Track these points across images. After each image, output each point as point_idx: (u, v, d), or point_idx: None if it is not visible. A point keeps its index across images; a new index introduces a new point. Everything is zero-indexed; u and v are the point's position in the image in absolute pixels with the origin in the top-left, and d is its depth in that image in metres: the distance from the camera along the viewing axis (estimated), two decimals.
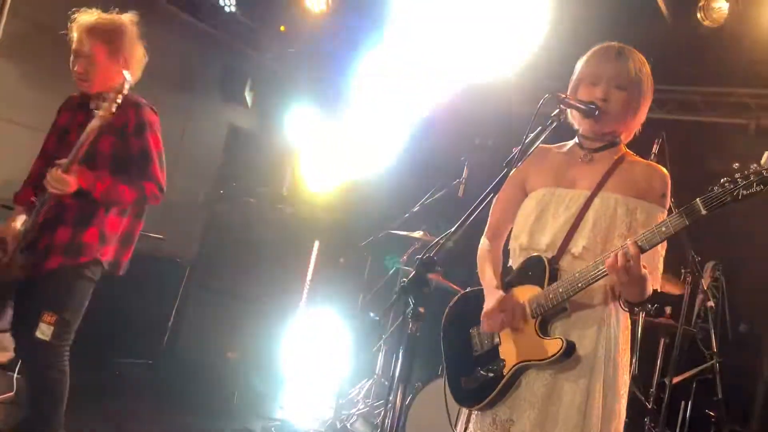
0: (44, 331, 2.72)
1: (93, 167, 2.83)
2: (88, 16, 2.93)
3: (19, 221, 2.95)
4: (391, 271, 5.11)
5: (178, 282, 5.78)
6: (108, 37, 2.91)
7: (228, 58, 6.54)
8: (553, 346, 1.95)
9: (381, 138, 6.55)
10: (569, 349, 1.94)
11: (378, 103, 6.50)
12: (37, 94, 5.13)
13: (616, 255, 1.83)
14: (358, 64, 6.35)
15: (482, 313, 2.10)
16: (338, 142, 6.70)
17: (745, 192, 1.66)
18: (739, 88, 5.10)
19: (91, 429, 3.74)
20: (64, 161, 2.73)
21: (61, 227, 2.85)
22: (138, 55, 3.03)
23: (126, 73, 2.80)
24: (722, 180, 1.71)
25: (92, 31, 2.89)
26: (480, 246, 2.31)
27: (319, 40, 6.08)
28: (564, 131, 2.10)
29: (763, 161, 1.65)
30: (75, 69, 2.93)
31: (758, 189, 1.65)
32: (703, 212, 1.73)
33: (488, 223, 2.32)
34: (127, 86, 2.77)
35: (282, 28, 6.38)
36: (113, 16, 2.98)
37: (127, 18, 3.01)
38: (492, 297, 2.10)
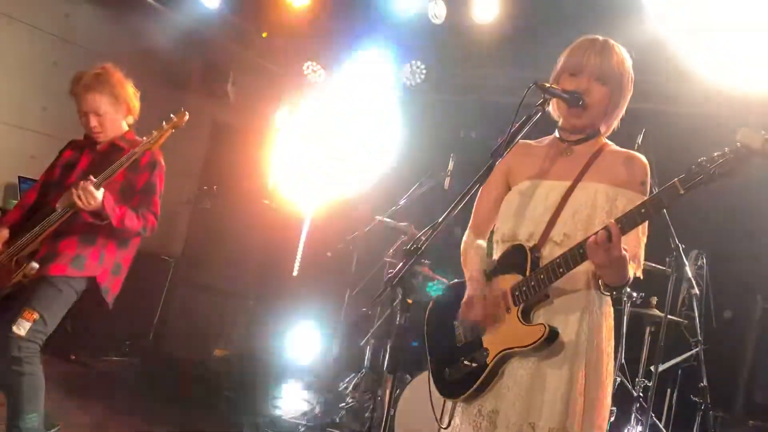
0: (22, 326, 2.81)
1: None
2: (85, 78, 3.12)
3: (7, 225, 3.07)
4: (378, 266, 5.10)
5: (163, 279, 5.75)
6: (109, 90, 3.13)
7: (210, 53, 6.49)
8: (535, 332, 1.95)
9: (366, 130, 6.56)
10: (552, 335, 1.94)
11: (362, 95, 6.50)
12: (16, 90, 5.07)
13: (596, 235, 1.82)
14: (343, 55, 6.34)
15: (462, 301, 2.10)
16: (324, 137, 6.70)
17: (721, 170, 1.67)
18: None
19: (79, 428, 3.71)
20: (93, 179, 2.86)
21: (66, 239, 3.00)
22: (133, 97, 3.25)
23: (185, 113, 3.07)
24: (700, 159, 1.71)
25: (94, 88, 3.10)
26: (464, 240, 2.31)
27: (301, 33, 6.05)
28: (544, 122, 2.10)
29: (738, 137, 1.64)
30: (89, 125, 3.14)
31: (734, 166, 1.66)
32: (681, 192, 1.73)
33: (472, 217, 2.32)
34: (185, 119, 3.06)
35: (264, 34, 6.36)
36: (104, 69, 3.17)
37: (111, 67, 3.21)
38: (473, 286, 2.11)
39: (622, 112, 2.18)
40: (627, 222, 1.83)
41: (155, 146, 3.01)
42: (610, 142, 2.19)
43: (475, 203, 2.28)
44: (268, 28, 6.46)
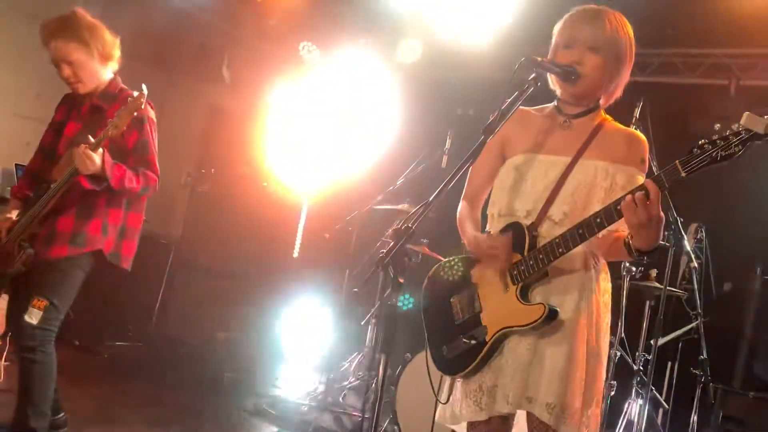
0: (33, 315, 2.79)
1: None
2: (50, 24, 2.94)
3: (14, 213, 2.99)
4: (377, 246, 5.10)
5: (164, 263, 5.76)
6: (76, 34, 2.92)
7: (204, 35, 6.44)
8: (534, 311, 1.96)
9: (362, 109, 6.52)
10: (551, 315, 1.94)
11: (359, 73, 6.45)
12: (12, 79, 5.04)
13: (633, 194, 1.76)
14: (338, 34, 6.28)
15: (486, 248, 2.06)
16: (320, 116, 6.66)
17: (723, 153, 1.64)
18: (719, 48, 5.09)
19: (83, 413, 3.73)
20: (91, 140, 2.76)
21: (63, 217, 2.91)
22: (108, 39, 3.02)
23: (144, 89, 2.83)
24: (701, 141, 1.68)
25: (60, 34, 2.91)
26: (459, 209, 2.29)
27: (296, 12, 5.99)
28: (541, 95, 2.08)
29: (742, 121, 1.62)
30: (64, 75, 2.96)
31: (737, 150, 1.63)
32: (683, 175, 1.71)
33: (466, 187, 2.29)
34: (143, 100, 2.80)
35: None
36: (72, 13, 2.97)
37: (80, 10, 3.00)
38: (485, 239, 2.09)
39: (622, 80, 2.13)
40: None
41: (117, 133, 2.80)
42: (609, 118, 2.16)
43: (468, 175, 2.25)
44: (263, 7, 6.40)
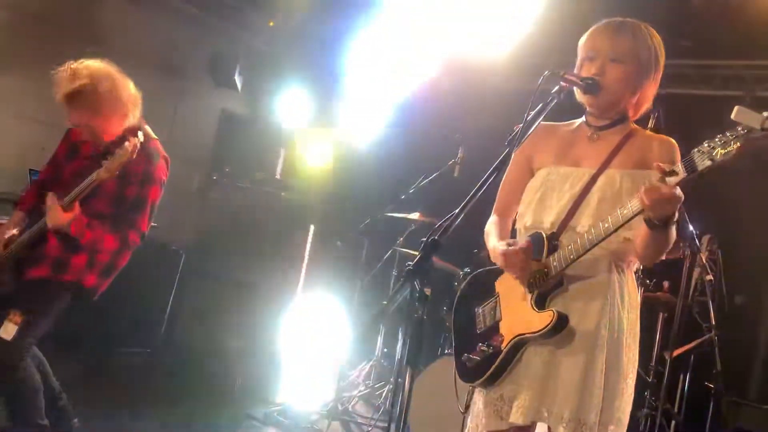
0: (8, 330, 2.72)
1: (93, 201, 2.85)
2: (65, 81, 2.81)
3: (15, 230, 2.98)
4: (388, 254, 5.10)
5: (174, 270, 5.74)
6: (89, 104, 2.82)
7: (217, 42, 6.46)
8: (544, 319, 1.96)
9: (374, 118, 6.52)
10: (560, 322, 1.93)
11: (371, 82, 6.46)
12: (21, 83, 5.07)
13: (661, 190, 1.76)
14: (351, 43, 6.29)
15: (501, 256, 2.07)
16: (332, 123, 6.67)
17: (722, 150, 1.63)
18: (734, 60, 5.08)
19: (91, 420, 3.73)
20: (67, 198, 2.75)
21: (52, 241, 2.88)
22: (126, 96, 2.92)
23: (139, 134, 2.78)
24: (704, 142, 1.68)
25: (73, 102, 2.81)
26: (488, 221, 2.31)
27: (309, 20, 6.01)
28: (567, 108, 2.07)
29: (733, 115, 1.60)
30: (82, 137, 2.95)
31: (735, 146, 1.62)
32: (684, 174, 1.73)
33: (496, 202, 2.31)
34: (137, 144, 2.72)
35: (270, 22, 6.33)
36: (87, 74, 2.82)
37: (97, 73, 2.85)
38: (503, 243, 2.10)
39: (648, 91, 2.13)
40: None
41: (111, 175, 2.72)
42: (639, 128, 2.15)
43: (499, 189, 2.27)
44: (275, 15, 6.44)
